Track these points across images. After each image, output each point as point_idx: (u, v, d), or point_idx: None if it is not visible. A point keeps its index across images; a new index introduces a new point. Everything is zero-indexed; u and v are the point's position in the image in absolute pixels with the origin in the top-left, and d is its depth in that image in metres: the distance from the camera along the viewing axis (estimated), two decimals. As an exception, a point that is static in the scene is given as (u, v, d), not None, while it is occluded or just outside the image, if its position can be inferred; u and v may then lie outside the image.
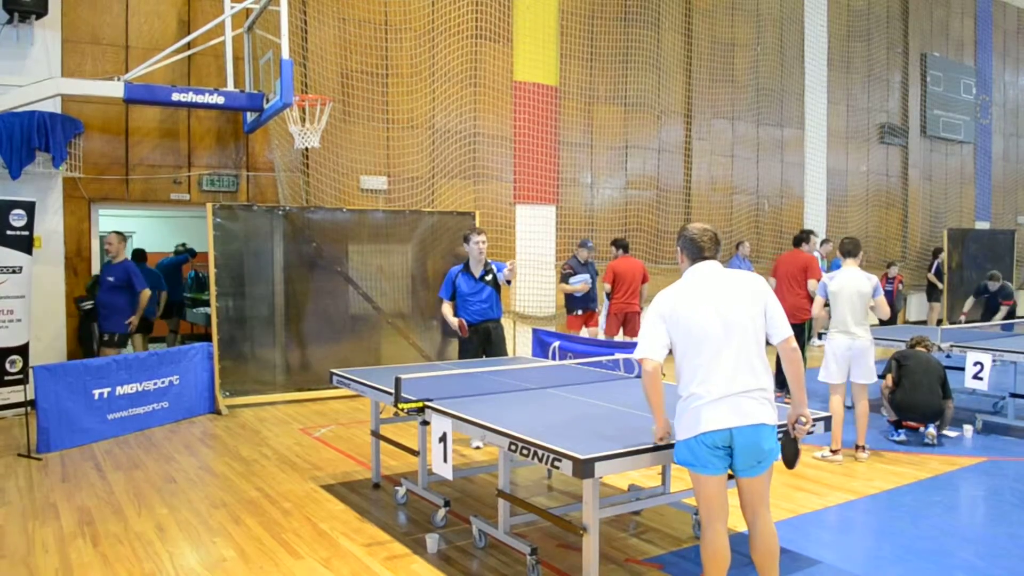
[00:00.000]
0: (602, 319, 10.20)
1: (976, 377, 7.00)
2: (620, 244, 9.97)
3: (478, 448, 6.51)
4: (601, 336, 9.89)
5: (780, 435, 3.51)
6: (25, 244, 7.43)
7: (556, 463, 3.34)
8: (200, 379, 8.22)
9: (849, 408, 6.79)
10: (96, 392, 7.08)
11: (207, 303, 9.80)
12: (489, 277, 6.74)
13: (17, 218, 7.43)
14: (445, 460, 4.09)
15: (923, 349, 7.09)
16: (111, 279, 8.15)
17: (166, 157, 9.24)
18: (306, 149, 9.51)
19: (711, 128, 13.71)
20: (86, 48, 8.76)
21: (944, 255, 14.69)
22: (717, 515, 3.33)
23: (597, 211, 12.45)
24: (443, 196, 10.84)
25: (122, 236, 8.37)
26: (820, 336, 7.25)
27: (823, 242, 12.90)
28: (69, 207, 8.68)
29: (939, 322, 14.30)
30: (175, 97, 8.18)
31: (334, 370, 5.76)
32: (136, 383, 7.45)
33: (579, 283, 9.73)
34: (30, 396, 6.95)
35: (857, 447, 6.36)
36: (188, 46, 8.83)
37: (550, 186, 11.78)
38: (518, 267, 6.92)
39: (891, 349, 7.94)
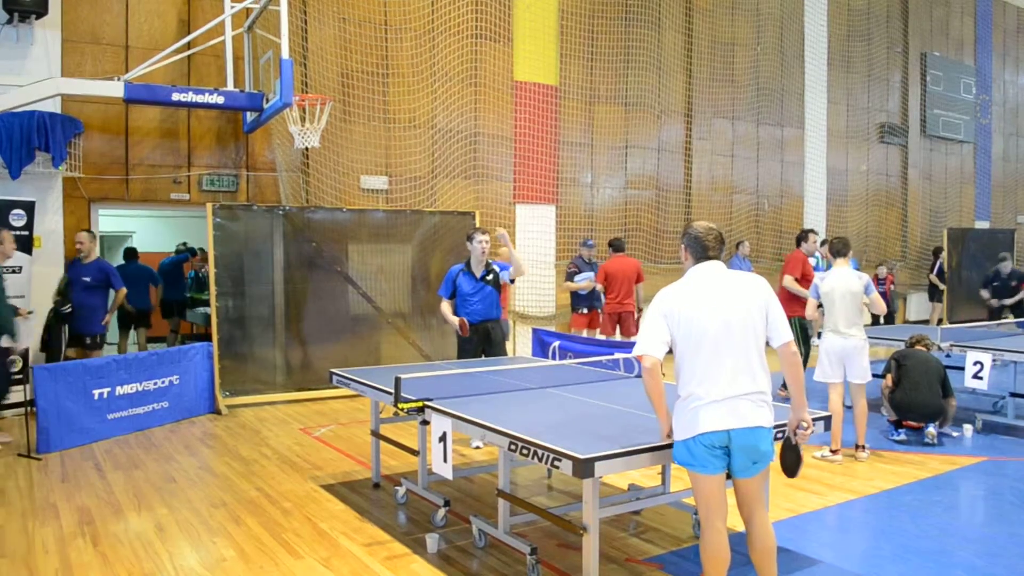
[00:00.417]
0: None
1: (976, 377, 7.00)
2: (613, 244, 10.00)
3: (478, 448, 6.51)
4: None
5: (779, 439, 3.51)
6: (25, 244, 7.44)
7: (556, 463, 3.34)
8: (200, 379, 8.21)
9: (848, 408, 6.79)
10: (96, 392, 7.07)
11: (207, 303, 9.80)
12: (490, 277, 6.73)
13: (17, 218, 7.44)
14: (445, 460, 4.09)
15: (922, 348, 7.09)
16: (87, 279, 7.98)
17: (166, 157, 9.23)
18: (306, 149, 9.51)
19: (711, 128, 13.71)
20: (86, 48, 8.75)
21: (944, 255, 14.69)
22: (716, 514, 3.33)
23: (597, 211, 12.45)
24: (443, 196, 10.84)
25: (92, 235, 8.24)
26: (819, 336, 7.26)
27: (823, 242, 12.89)
28: (69, 207, 8.67)
29: (939, 322, 14.31)
30: (175, 97, 8.17)
31: (334, 370, 5.76)
32: (136, 383, 7.45)
33: (583, 281, 9.78)
34: (30, 396, 6.94)
35: (857, 447, 6.36)
36: (188, 46, 8.83)
37: (550, 186, 11.78)
38: (517, 258, 6.84)
39: (891, 349, 7.94)
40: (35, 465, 6.25)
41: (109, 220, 11.48)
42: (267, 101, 8.45)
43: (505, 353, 6.98)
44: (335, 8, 10.06)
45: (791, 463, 3.58)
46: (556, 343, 7.91)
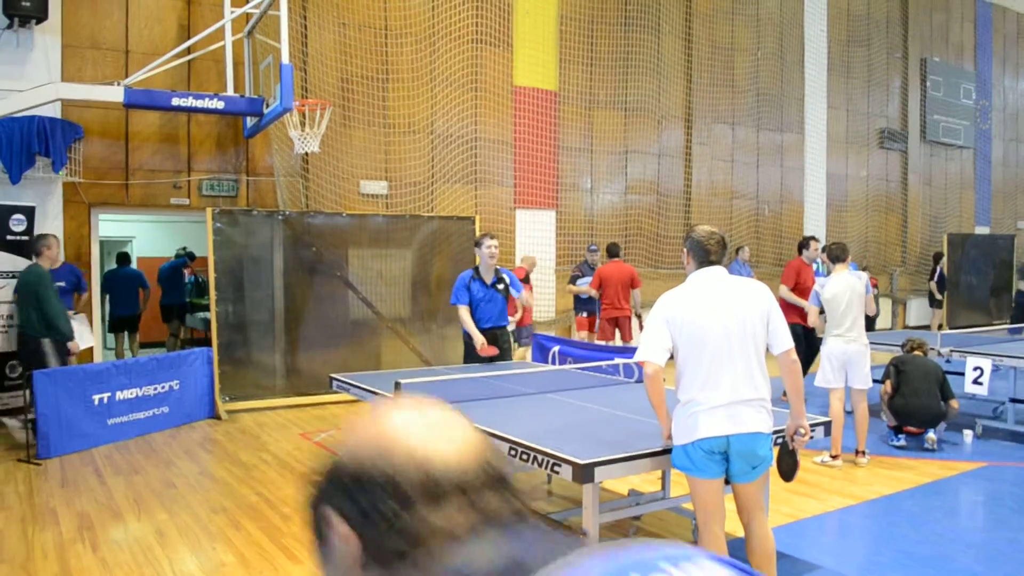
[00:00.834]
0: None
1: (976, 382, 6.99)
2: (608, 250, 10.11)
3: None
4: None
5: (778, 445, 3.51)
6: (25, 249, 7.44)
7: (556, 468, 3.33)
8: (200, 384, 8.20)
9: (849, 413, 6.79)
10: (96, 397, 7.06)
11: (206, 308, 9.80)
12: (501, 286, 6.70)
13: (17, 223, 7.44)
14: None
15: (920, 353, 7.08)
16: (61, 284, 7.75)
17: (166, 162, 9.24)
18: (306, 154, 9.51)
19: (711, 133, 13.72)
20: (86, 53, 8.76)
21: (945, 260, 14.69)
22: (714, 519, 3.33)
23: (597, 216, 12.46)
24: (443, 201, 10.84)
25: (57, 238, 7.96)
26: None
27: (822, 248, 12.89)
28: (69, 212, 8.68)
29: (939, 327, 14.31)
30: (175, 102, 8.19)
31: (334, 375, 5.76)
32: (136, 388, 7.44)
33: (584, 284, 10.07)
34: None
35: (857, 452, 6.35)
36: (188, 51, 8.83)
37: (550, 191, 11.79)
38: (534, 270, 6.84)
39: (890, 354, 7.94)
40: (35, 470, 6.24)
41: (109, 225, 11.49)
42: (267, 106, 8.46)
43: (511, 359, 6.97)
44: (335, 13, 10.07)
45: (787, 468, 3.58)
46: (556, 348, 7.90)
